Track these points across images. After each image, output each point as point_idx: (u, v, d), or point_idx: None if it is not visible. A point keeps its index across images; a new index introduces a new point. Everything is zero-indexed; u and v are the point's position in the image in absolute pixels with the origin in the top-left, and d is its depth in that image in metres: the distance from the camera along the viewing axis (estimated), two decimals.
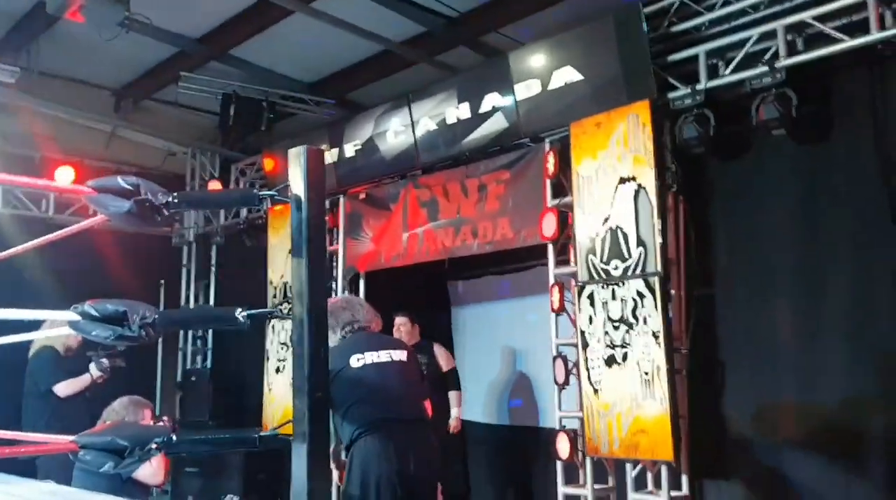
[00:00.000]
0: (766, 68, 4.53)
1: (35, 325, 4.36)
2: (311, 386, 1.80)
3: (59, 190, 6.79)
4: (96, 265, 7.04)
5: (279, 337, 7.23)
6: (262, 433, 2.00)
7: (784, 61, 4.50)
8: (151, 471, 3.34)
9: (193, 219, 8.81)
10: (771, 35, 4.61)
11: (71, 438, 1.77)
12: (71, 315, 1.78)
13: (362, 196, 6.91)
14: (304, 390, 1.80)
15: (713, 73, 4.86)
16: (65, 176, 7.23)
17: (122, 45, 6.44)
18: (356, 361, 3.53)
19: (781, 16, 4.58)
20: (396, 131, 6.41)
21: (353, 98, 7.54)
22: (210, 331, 8.66)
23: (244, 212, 8.24)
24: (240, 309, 1.96)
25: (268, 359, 7.33)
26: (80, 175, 7.22)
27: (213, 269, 8.79)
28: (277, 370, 7.24)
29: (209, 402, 8.10)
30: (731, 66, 4.76)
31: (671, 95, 4.92)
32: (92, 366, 5.44)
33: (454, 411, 6.23)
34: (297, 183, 1.85)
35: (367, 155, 6.65)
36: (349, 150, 6.77)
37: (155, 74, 7.31)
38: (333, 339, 3.54)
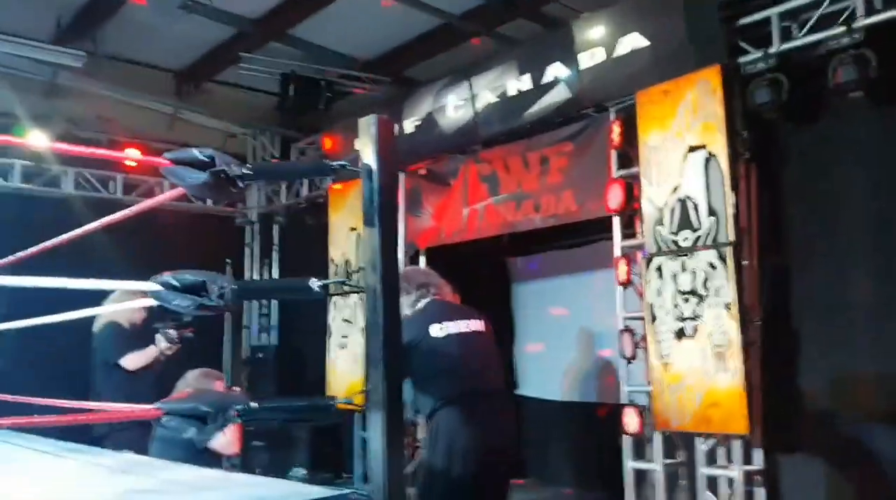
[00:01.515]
0: (842, 28, 4.34)
1: (100, 300, 4.43)
2: (386, 355, 1.79)
3: (139, 162, 6.98)
4: (162, 245, 7.14)
5: (342, 314, 7.27)
6: (337, 400, 2.00)
7: (862, 21, 4.31)
8: (227, 441, 3.40)
9: (256, 199, 8.94)
10: None
11: (156, 404, 1.80)
12: (152, 286, 1.80)
13: (422, 172, 6.87)
14: (379, 359, 1.79)
15: (786, 35, 4.68)
16: (133, 156, 7.38)
17: (182, 27, 6.53)
18: (438, 330, 3.50)
19: None
20: (456, 106, 6.35)
21: (410, 75, 7.50)
22: (276, 308, 8.79)
23: (305, 191, 8.32)
24: (314, 280, 1.98)
25: (330, 335, 7.39)
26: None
27: (275, 248, 8.90)
28: (341, 346, 7.30)
29: (275, 378, 8.27)
30: (806, 28, 4.58)
31: (742, 59, 4.75)
32: (158, 337, 5.40)
33: None
34: (367, 153, 1.85)
35: (427, 131, 6.61)
36: (408, 126, 6.74)
37: (214, 56, 7.38)
38: (407, 301, 3.53)
